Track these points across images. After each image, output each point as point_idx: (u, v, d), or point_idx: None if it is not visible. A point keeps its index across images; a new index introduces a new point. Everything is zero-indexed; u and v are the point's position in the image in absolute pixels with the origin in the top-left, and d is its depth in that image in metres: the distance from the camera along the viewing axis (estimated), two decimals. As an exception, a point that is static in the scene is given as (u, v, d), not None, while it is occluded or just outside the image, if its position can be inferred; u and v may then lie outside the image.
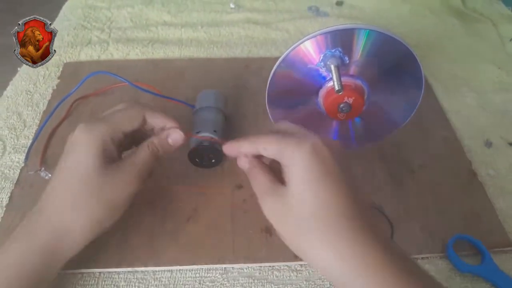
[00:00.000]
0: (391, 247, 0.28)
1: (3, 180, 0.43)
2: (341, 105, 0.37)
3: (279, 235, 0.31)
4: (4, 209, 0.40)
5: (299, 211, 0.29)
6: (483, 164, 0.47)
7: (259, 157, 0.34)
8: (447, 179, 0.44)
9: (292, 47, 0.37)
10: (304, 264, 0.37)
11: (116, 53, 0.60)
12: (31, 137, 0.47)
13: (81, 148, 0.33)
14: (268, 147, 0.31)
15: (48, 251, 0.31)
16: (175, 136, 0.36)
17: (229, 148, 0.35)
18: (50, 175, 0.42)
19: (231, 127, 0.48)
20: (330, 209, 0.28)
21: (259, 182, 0.32)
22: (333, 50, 0.36)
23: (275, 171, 0.33)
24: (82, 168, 0.32)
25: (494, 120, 0.52)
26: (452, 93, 0.55)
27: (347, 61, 0.37)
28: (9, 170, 0.44)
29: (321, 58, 0.37)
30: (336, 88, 0.36)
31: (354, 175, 0.31)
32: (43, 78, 0.55)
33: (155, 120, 0.36)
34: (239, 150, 0.34)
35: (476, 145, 0.49)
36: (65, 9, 0.70)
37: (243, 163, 0.34)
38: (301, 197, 0.29)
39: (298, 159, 0.29)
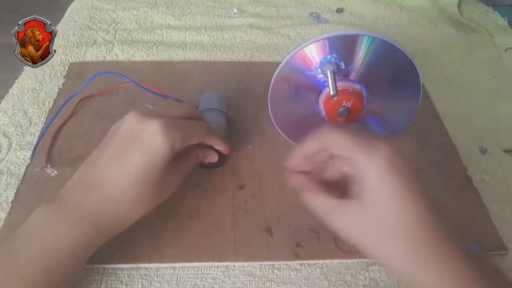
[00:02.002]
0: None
1: (9, 176, 0.43)
2: (340, 109, 0.39)
3: (358, 246, 0.31)
4: (10, 205, 0.41)
5: (380, 227, 0.29)
6: (478, 170, 0.48)
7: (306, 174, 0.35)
8: (442, 183, 0.46)
9: (294, 51, 0.38)
10: (304, 264, 0.38)
11: (121, 54, 0.61)
12: (36, 135, 0.48)
13: (159, 150, 0.33)
14: (338, 146, 0.31)
15: (97, 226, 0.33)
16: (213, 158, 0.41)
17: (295, 160, 0.35)
18: (55, 172, 0.43)
19: (233, 129, 0.49)
20: (414, 228, 0.28)
21: (322, 201, 0.32)
22: (328, 57, 0.38)
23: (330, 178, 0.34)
24: (156, 170, 0.34)
25: (489, 127, 0.53)
26: (448, 100, 0.57)
27: (343, 67, 0.38)
28: (15, 167, 0.44)
29: (318, 64, 0.38)
30: (331, 93, 0.37)
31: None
32: (49, 77, 0.56)
33: (212, 141, 0.40)
34: (304, 152, 0.33)
35: (471, 151, 0.50)
36: (70, 10, 0.71)
37: (295, 180, 0.35)
38: (381, 215, 0.29)
39: (372, 171, 0.28)
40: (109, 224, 0.33)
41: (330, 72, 0.37)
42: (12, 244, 0.31)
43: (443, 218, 0.29)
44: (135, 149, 0.33)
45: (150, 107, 0.38)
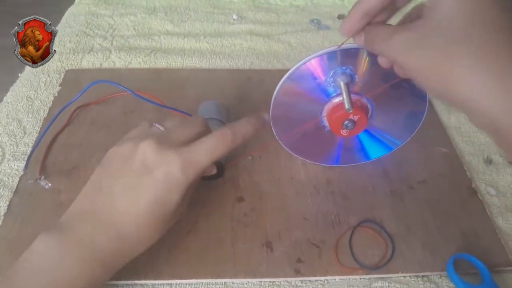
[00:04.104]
0: None
1: (2, 188, 0.42)
2: (346, 122, 0.38)
3: (414, 74, 0.26)
4: (2, 217, 0.40)
5: (443, 33, 0.24)
6: (483, 181, 0.47)
7: None
8: (447, 196, 0.44)
9: (302, 61, 0.37)
10: (305, 280, 0.37)
11: (118, 61, 0.60)
12: (30, 145, 0.47)
13: (177, 189, 0.32)
14: None
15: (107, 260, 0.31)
16: (211, 170, 0.38)
17: (351, 20, 0.29)
18: (49, 184, 0.42)
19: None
20: (487, 23, 0.23)
21: (379, 29, 0.28)
22: (344, 68, 0.36)
23: None
24: (172, 206, 0.32)
25: (493, 137, 0.52)
26: (452, 109, 0.56)
27: (356, 79, 0.37)
28: (8, 178, 0.43)
29: (331, 74, 0.37)
30: (346, 106, 0.35)
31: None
32: (44, 84, 0.55)
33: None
34: (365, 7, 0.29)
35: (476, 162, 0.49)
36: (67, 16, 0.70)
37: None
38: (447, 16, 0.24)
39: None
40: (117, 259, 0.32)
41: (344, 84, 0.36)
42: (14, 276, 0.29)
43: None
44: (152, 185, 0.32)
45: (158, 126, 0.36)
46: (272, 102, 0.40)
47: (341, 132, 0.39)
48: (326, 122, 0.40)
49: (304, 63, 0.36)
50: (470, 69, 0.23)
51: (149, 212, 0.32)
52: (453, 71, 0.23)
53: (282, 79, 0.38)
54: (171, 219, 0.34)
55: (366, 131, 0.42)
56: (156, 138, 0.33)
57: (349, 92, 0.36)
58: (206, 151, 0.33)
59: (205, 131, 0.36)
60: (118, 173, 0.33)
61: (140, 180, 0.32)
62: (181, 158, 0.32)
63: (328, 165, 0.46)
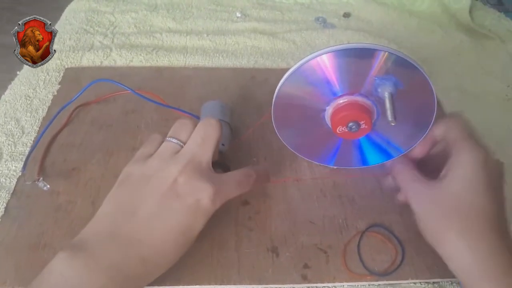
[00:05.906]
0: None
1: (-1, 189, 0.41)
2: (351, 124, 0.36)
3: (419, 220, 0.35)
4: (0, 220, 0.39)
5: (451, 205, 0.33)
6: (494, 185, 0.45)
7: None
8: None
9: (308, 58, 0.35)
10: (312, 287, 0.36)
11: (119, 59, 0.58)
12: (29, 145, 0.46)
13: (205, 217, 0.33)
14: (456, 127, 0.36)
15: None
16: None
17: (423, 145, 0.39)
18: (48, 186, 0.41)
19: (236, 140, 0.47)
20: (481, 215, 0.32)
21: (407, 173, 0.37)
22: (395, 78, 0.34)
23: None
24: (197, 233, 0.33)
25: (504, 139, 0.51)
26: (460, 109, 0.54)
27: (400, 88, 0.35)
28: (5, 179, 0.42)
29: (380, 77, 0.34)
30: (390, 118, 0.34)
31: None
32: (44, 83, 0.54)
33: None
34: (431, 136, 0.38)
35: (486, 165, 0.48)
36: (67, 13, 0.69)
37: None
38: (458, 196, 0.33)
39: (470, 164, 0.33)
40: (137, 284, 0.31)
41: (389, 94, 0.34)
42: None
43: (502, 219, 0.33)
44: (181, 211, 0.32)
45: (177, 142, 0.35)
46: (273, 101, 0.38)
47: (337, 130, 0.37)
48: (328, 119, 0.38)
49: (303, 64, 0.35)
50: (456, 246, 0.32)
51: (175, 238, 0.32)
52: (443, 234, 0.33)
53: (281, 82, 0.36)
54: (192, 243, 0.34)
55: (367, 135, 0.40)
56: (186, 163, 0.33)
57: (394, 103, 0.35)
58: (235, 185, 0.35)
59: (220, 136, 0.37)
60: (141, 194, 0.32)
61: (169, 205, 0.32)
62: (213, 188, 0.32)
63: (334, 167, 0.45)
